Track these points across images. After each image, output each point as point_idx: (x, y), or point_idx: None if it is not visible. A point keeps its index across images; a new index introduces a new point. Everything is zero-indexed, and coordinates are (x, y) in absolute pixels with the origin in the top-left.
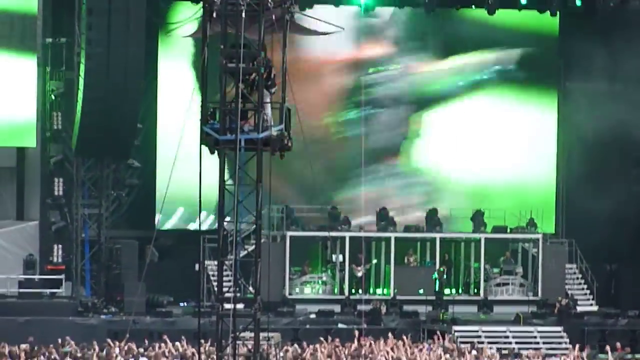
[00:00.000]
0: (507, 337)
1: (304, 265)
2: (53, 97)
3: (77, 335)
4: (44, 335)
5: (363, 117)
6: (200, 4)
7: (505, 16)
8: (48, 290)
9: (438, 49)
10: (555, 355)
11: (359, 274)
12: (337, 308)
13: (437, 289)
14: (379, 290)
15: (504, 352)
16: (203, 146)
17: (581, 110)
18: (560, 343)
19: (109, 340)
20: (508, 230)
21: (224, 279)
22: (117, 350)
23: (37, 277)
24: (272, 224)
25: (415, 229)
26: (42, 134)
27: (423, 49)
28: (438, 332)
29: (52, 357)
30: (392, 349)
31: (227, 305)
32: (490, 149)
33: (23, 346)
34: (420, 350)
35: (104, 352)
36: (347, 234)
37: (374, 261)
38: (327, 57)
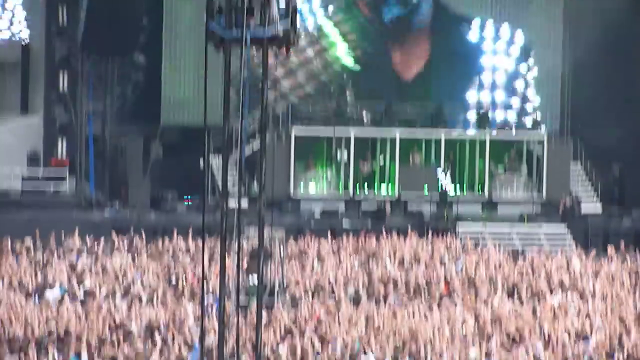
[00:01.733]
0: (511, 236)
1: (309, 163)
2: None
3: (81, 230)
4: (47, 230)
5: None
6: None
7: None
8: (52, 186)
9: None
10: (558, 254)
11: (365, 172)
12: (341, 206)
13: (441, 188)
14: (383, 190)
15: (508, 250)
16: (208, 41)
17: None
18: (564, 242)
19: (113, 234)
20: (513, 130)
21: (229, 175)
22: (119, 245)
23: (41, 172)
24: (278, 120)
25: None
26: (47, 28)
27: None
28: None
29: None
30: (396, 246)
31: (232, 202)
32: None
33: (27, 241)
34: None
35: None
36: (352, 132)
37: (380, 160)
38: None
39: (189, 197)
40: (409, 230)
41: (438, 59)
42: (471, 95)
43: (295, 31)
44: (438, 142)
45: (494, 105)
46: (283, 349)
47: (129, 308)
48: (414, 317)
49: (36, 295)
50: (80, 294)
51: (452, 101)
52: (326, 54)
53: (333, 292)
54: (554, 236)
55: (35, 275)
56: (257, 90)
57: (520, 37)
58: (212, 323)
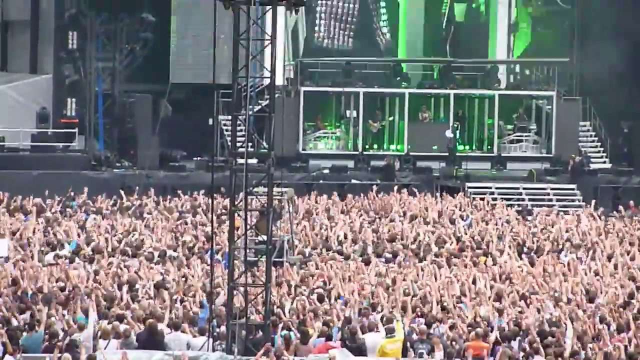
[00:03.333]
0: (520, 194)
1: (318, 121)
2: None
3: (90, 189)
4: (57, 189)
5: None
6: None
7: None
8: (61, 144)
9: None
10: (568, 212)
11: (374, 130)
12: (350, 163)
13: (450, 145)
14: (392, 146)
15: (517, 208)
16: (217, 1)
17: None
18: (573, 200)
19: (121, 192)
20: (522, 87)
21: (238, 133)
22: (128, 204)
23: (50, 130)
24: (287, 78)
25: (429, 85)
26: None
27: None
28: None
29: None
30: (405, 203)
31: (241, 160)
32: None
33: (36, 200)
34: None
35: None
36: (361, 90)
37: (390, 118)
38: None
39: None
40: (418, 187)
41: None
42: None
43: None
44: (447, 99)
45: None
46: (292, 308)
47: (138, 267)
48: (423, 275)
49: (45, 254)
50: (89, 253)
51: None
52: None
53: (342, 250)
54: (563, 194)
55: (45, 233)
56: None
57: None
58: (222, 281)
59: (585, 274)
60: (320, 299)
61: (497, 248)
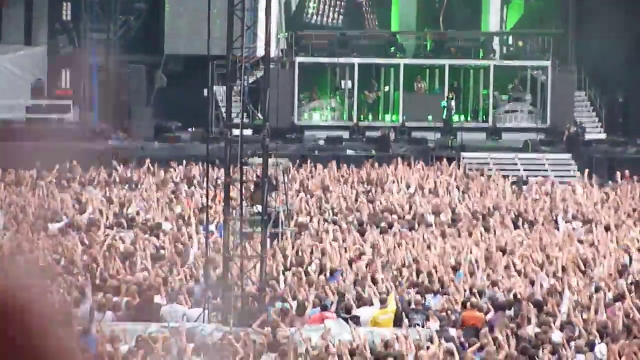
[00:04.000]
0: (515, 164)
1: (313, 92)
2: None
3: (85, 161)
4: (51, 161)
5: None
6: None
7: None
8: (56, 116)
9: None
10: (563, 182)
11: (370, 100)
12: (345, 134)
13: (445, 116)
14: (387, 117)
15: (512, 179)
16: None
17: None
18: (568, 170)
19: (114, 163)
20: (518, 57)
21: (233, 104)
22: (123, 175)
23: (45, 102)
24: (281, 49)
25: (424, 56)
26: None
27: None
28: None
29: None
30: (400, 174)
31: (236, 131)
32: None
33: (30, 171)
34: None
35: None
36: (356, 60)
37: (386, 88)
38: None
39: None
40: (413, 158)
41: None
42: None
43: None
44: (442, 69)
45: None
46: (287, 279)
47: (133, 238)
48: (418, 246)
49: (40, 226)
50: (84, 225)
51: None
52: None
53: (337, 221)
54: (559, 164)
55: (39, 205)
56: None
57: None
58: (217, 253)
59: (581, 244)
60: (316, 270)
61: (493, 218)
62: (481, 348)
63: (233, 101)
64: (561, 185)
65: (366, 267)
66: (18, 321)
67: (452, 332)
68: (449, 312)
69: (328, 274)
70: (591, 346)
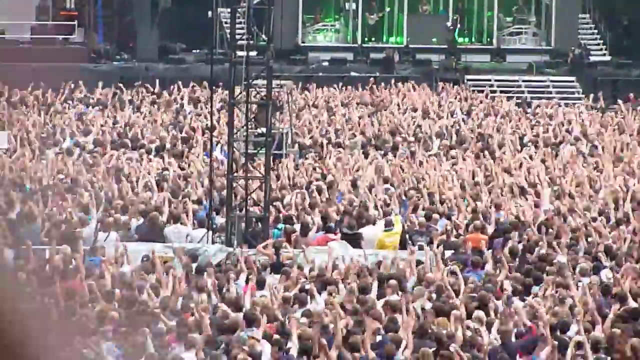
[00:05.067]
0: (519, 86)
1: (317, 13)
2: None
3: (90, 82)
4: (56, 82)
5: None
6: None
7: None
8: (61, 36)
9: None
10: (567, 105)
11: (372, 22)
12: (349, 56)
13: (450, 38)
14: (391, 39)
15: (516, 101)
16: None
17: None
18: (572, 93)
19: (120, 86)
20: None
21: (237, 26)
22: (128, 96)
23: (50, 23)
24: None
25: None
26: None
27: None
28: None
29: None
30: (405, 95)
31: (240, 53)
32: None
33: (35, 92)
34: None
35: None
36: None
37: (387, 9)
38: None
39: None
40: (418, 80)
41: None
42: None
43: None
44: None
45: None
46: (291, 200)
47: (138, 159)
48: (423, 168)
49: (45, 147)
50: (89, 145)
51: None
52: None
53: (341, 142)
54: (563, 86)
55: (44, 126)
56: None
57: None
58: (221, 174)
59: (585, 166)
60: (319, 191)
61: (497, 140)
62: (483, 269)
63: (237, 23)
64: (565, 108)
65: (370, 189)
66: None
67: (456, 254)
68: (453, 234)
69: (332, 195)
70: (596, 269)
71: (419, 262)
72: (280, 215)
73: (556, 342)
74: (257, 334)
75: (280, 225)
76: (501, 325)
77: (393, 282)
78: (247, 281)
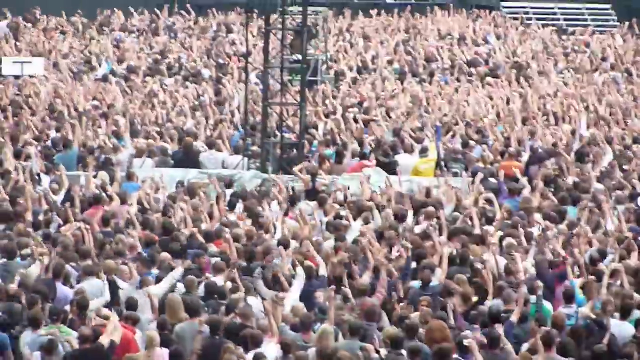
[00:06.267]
0: (555, 14)
1: None
2: None
3: (125, 8)
4: (92, 8)
5: None
6: None
7: None
8: None
9: None
10: (603, 32)
11: None
12: None
13: None
14: None
15: (552, 29)
16: None
17: None
18: (608, 20)
19: (157, 12)
20: None
21: None
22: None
23: None
24: None
25: None
26: None
27: None
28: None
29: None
30: (440, 22)
31: None
32: None
33: (72, 19)
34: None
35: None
36: None
37: None
38: None
39: None
40: (453, 7)
41: None
42: None
43: None
44: None
45: None
46: (327, 127)
47: (174, 86)
48: (458, 95)
49: (81, 73)
50: (124, 72)
51: None
52: None
53: (377, 69)
54: (598, 14)
55: (81, 52)
56: None
57: None
58: (257, 100)
59: (620, 93)
60: (355, 119)
61: (532, 68)
62: (519, 196)
63: None
64: (601, 36)
65: (406, 116)
66: None
67: (492, 181)
68: (489, 161)
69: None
70: (632, 197)
71: (455, 189)
72: (316, 141)
73: (592, 276)
74: (289, 260)
75: (315, 152)
76: (536, 255)
77: (429, 209)
78: (281, 208)
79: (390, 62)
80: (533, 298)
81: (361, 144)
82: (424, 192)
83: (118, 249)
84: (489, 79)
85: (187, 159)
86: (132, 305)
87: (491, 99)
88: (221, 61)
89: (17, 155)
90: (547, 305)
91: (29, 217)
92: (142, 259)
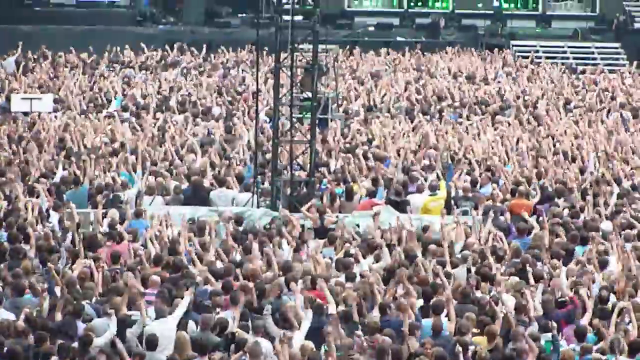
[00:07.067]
0: (564, 52)
1: None
2: None
3: (135, 45)
4: (102, 44)
5: None
6: None
7: None
8: (107, 0)
9: None
10: (612, 71)
11: None
12: (395, 21)
13: (496, 3)
14: (437, 4)
15: (561, 67)
16: None
17: None
18: (617, 59)
19: (166, 49)
20: None
21: None
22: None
23: None
24: None
25: None
26: None
27: None
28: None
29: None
30: (451, 60)
31: (286, 17)
32: None
33: (81, 55)
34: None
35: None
36: None
37: None
38: None
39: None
40: (463, 45)
41: None
42: None
43: None
44: None
45: None
46: (336, 165)
47: (184, 123)
48: (468, 134)
49: (91, 110)
50: (134, 109)
51: None
52: None
53: (386, 108)
54: (608, 53)
55: (91, 88)
56: None
57: None
58: (267, 138)
59: (629, 132)
60: (365, 156)
61: (542, 106)
62: (529, 235)
63: None
64: (610, 74)
65: (415, 154)
66: None
67: (501, 219)
68: (498, 199)
69: (377, 161)
70: None
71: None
72: (325, 179)
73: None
74: (298, 298)
75: (325, 190)
76: (543, 294)
77: (437, 247)
78: (291, 246)
79: (399, 100)
80: (546, 336)
81: (371, 182)
82: (435, 230)
83: (127, 286)
84: (499, 117)
85: (197, 196)
86: (151, 342)
87: (501, 137)
88: (231, 98)
89: (29, 192)
90: (563, 343)
91: (32, 253)
92: (163, 295)
